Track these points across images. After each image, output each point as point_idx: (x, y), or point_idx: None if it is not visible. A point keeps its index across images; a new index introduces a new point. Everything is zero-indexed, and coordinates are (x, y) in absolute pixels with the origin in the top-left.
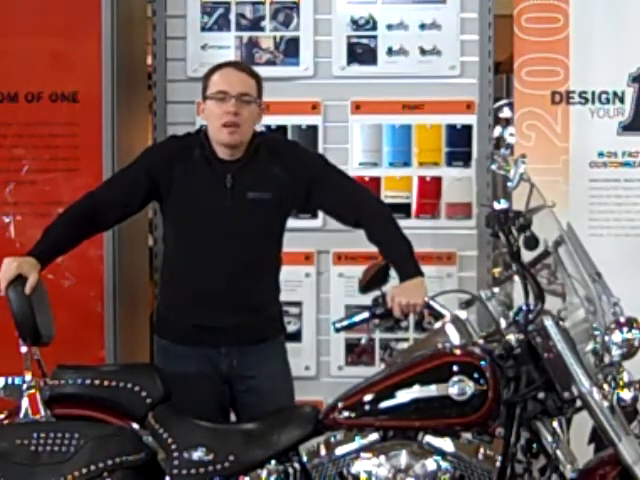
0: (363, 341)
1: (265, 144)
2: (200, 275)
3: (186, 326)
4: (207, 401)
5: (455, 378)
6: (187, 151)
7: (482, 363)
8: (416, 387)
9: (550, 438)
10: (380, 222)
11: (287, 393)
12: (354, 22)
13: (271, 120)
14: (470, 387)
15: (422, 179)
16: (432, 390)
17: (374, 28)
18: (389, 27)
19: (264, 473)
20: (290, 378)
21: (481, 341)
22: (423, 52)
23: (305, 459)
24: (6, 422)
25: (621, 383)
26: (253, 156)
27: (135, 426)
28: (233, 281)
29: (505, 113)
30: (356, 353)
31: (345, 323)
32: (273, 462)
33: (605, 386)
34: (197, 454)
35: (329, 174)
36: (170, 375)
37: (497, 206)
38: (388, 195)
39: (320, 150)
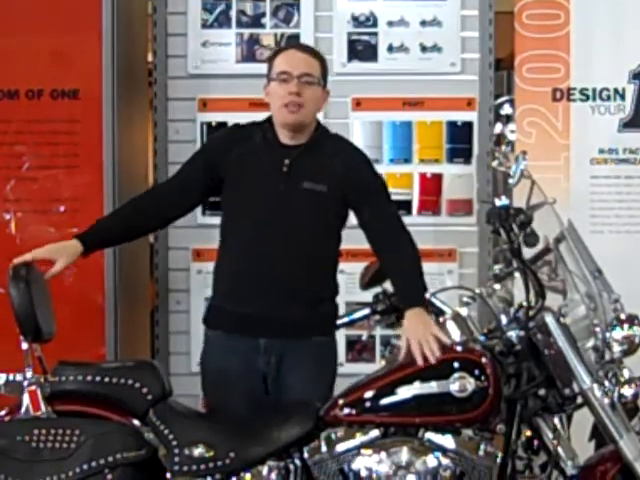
0: (364, 338)
1: (330, 139)
2: (248, 260)
3: (230, 312)
4: (239, 399)
5: (456, 375)
6: (247, 135)
7: (483, 360)
8: (417, 384)
9: (551, 435)
10: (395, 258)
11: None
12: (355, 19)
13: None
14: (471, 384)
15: (423, 176)
16: (433, 387)
17: (375, 25)
18: (390, 24)
19: (265, 470)
20: (326, 385)
21: (482, 338)
22: (424, 49)
23: (306, 455)
24: (7, 418)
25: (622, 380)
26: (315, 145)
27: (136, 423)
28: (280, 268)
29: (506, 110)
30: (357, 350)
31: (345, 320)
32: (274, 459)
33: (606, 383)
34: (198, 451)
35: (381, 198)
36: (209, 366)
37: (498, 203)
38: (390, 192)
39: None
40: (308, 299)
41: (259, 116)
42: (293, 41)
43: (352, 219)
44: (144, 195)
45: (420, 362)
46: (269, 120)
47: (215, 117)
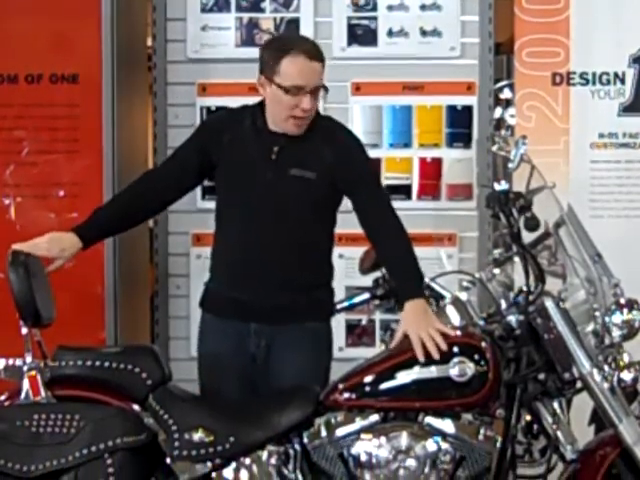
0: (363, 322)
1: (325, 126)
2: (238, 245)
3: (222, 297)
4: (231, 381)
5: (455, 359)
6: (237, 119)
7: (482, 344)
8: (416, 368)
9: (550, 419)
10: (388, 245)
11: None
12: (354, 3)
13: None
14: (470, 368)
15: (423, 160)
16: (432, 371)
17: (374, 9)
18: (389, 8)
19: (264, 455)
20: (322, 373)
21: (481, 322)
22: (423, 33)
23: (305, 440)
24: (7, 403)
25: (621, 364)
26: (306, 133)
27: (136, 407)
28: (270, 255)
29: (506, 94)
30: (356, 334)
31: (345, 304)
32: (273, 444)
33: (605, 367)
34: (198, 435)
35: (371, 185)
36: (202, 346)
37: (498, 187)
38: (388, 177)
39: None
40: (300, 285)
41: (258, 100)
42: (293, 26)
43: (349, 203)
44: (140, 180)
45: (421, 358)
46: (260, 104)
47: (215, 102)
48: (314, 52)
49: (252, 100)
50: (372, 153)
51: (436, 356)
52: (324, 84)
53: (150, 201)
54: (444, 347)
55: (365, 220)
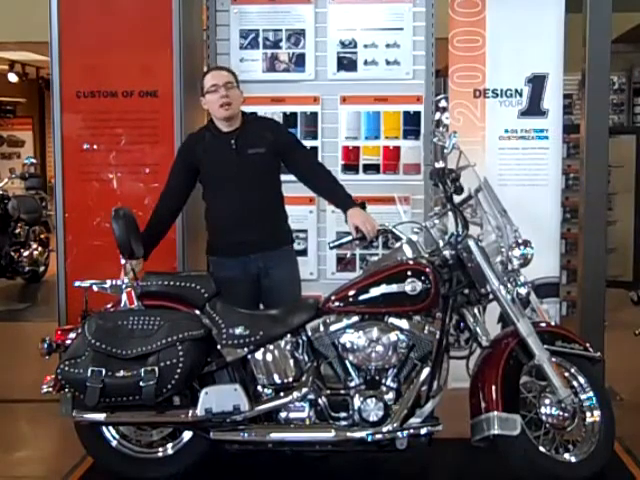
0: (348, 255)
1: (255, 119)
2: (227, 209)
3: (227, 244)
4: (245, 294)
5: (409, 280)
6: (200, 136)
7: (427, 270)
8: (383, 286)
9: (472, 319)
10: (324, 182)
11: (295, 285)
12: (342, 43)
13: (287, 108)
14: (419, 285)
15: (387, 148)
16: (394, 287)
17: (355, 47)
18: (365, 46)
19: (282, 343)
20: (298, 275)
21: (426, 255)
22: (388, 63)
23: (309, 333)
24: (112, 310)
25: (519, 283)
26: (246, 126)
27: (197, 312)
28: (246, 209)
29: (443, 103)
30: (343, 263)
31: (336, 243)
32: (289, 336)
33: (508, 285)
34: (238, 330)
35: (299, 147)
36: (220, 279)
37: (437, 165)
38: (365, 158)
39: (319, 128)
40: (271, 224)
41: (278, 108)
42: (300, 59)
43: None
44: (164, 195)
45: (370, 233)
46: (211, 121)
47: (248, 109)
48: (222, 66)
49: (273, 108)
50: (354, 143)
51: (372, 230)
52: (237, 85)
53: (174, 204)
54: (374, 227)
55: (302, 172)
